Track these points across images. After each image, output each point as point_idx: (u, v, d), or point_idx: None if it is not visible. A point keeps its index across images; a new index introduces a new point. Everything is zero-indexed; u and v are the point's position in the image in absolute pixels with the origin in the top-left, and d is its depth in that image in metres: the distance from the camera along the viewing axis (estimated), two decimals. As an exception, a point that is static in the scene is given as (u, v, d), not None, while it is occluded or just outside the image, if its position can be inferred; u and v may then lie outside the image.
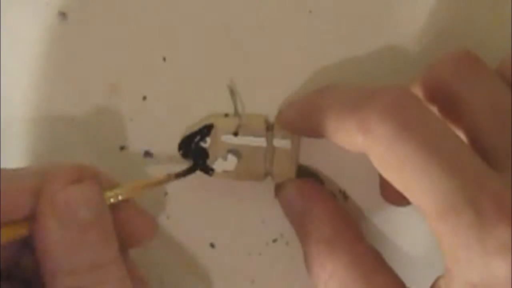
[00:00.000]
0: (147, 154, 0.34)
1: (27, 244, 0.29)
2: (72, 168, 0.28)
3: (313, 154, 0.34)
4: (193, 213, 0.34)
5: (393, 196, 0.33)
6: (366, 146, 0.27)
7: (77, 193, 0.27)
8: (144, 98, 0.34)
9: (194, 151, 0.33)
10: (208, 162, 0.33)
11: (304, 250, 0.32)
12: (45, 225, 0.27)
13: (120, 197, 0.29)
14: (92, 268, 0.27)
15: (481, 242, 0.24)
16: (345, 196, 0.34)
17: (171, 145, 0.33)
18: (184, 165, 0.33)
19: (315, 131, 0.30)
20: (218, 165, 0.33)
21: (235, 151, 0.32)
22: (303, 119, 0.31)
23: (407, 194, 0.26)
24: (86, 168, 0.29)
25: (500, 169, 0.26)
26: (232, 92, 0.33)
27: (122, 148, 0.34)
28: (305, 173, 0.34)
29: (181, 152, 0.33)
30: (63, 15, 0.33)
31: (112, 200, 0.29)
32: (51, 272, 0.27)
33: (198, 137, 0.33)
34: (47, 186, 0.27)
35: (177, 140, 0.33)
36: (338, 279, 0.30)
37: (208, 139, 0.33)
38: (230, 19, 0.33)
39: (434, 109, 0.29)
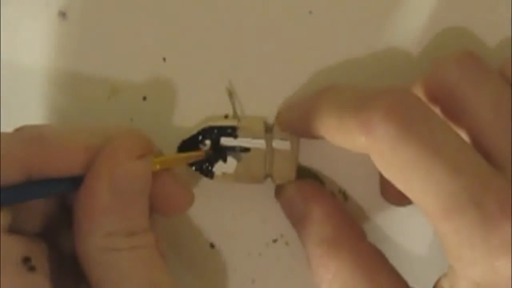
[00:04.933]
0: (147, 154, 0.34)
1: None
2: (138, 144, 0.30)
3: (313, 155, 0.34)
4: (193, 213, 0.34)
5: (393, 196, 0.33)
6: (369, 146, 0.27)
7: (138, 169, 0.29)
8: (144, 98, 0.34)
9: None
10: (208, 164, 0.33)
11: (307, 251, 0.32)
12: (97, 187, 0.28)
13: (158, 166, 0.30)
14: (128, 233, 0.28)
15: (485, 241, 0.24)
16: (345, 196, 0.34)
17: (171, 145, 0.33)
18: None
19: (316, 132, 0.30)
20: (218, 168, 0.33)
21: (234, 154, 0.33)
22: (303, 120, 0.31)
23: (409, 194, 0.26)
24: (147, 142, 0.31)
25: (502, 169, 0.26)
26: (231, 95, 0.33)
27: (122, 148, 0.34)
28: (305, 174, 0.34)
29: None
30: (63, 15, 0.33)
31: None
32: (87, 231, 0.28)
33: (198, 139, 0.33)
34: (110, 155, 0.29)
35: (177, 140, 0.33)
36: (341, 279, 0.30)
37: (207, 142, 0.33)
38: (230, 19, 0.33)
39: (436, 110, 0.29)
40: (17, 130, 0.29)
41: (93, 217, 0.28)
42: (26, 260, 0.26)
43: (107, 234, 0.28)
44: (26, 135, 0.28)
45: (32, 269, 0.26)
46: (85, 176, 0.29)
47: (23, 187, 0.27)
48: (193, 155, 0.33)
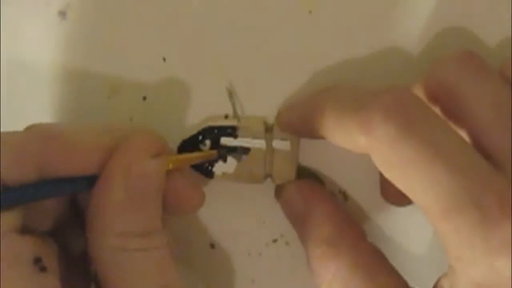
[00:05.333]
0: (147, 154, 0.34)
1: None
2: (153, 143, 0.30)
3: (312, 155, 0.34)
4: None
5: (393, 196, 0.33)
6: (369, 146, 0.27)
7: (152, 168, 0.29)
8: (144, 98, 0.34)
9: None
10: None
11: (307, 251, 0.32)
12: (111, 186, 0.28)
13: (171, 166, 0.30)
14: (141, 234, 0.28)
15: (485, 241, 0.24)
16: (345, 196, 0.34)
17: (171, 145, 0.33)
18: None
19: (316, 133, 0.30)
20: (218, 168, 0.33)
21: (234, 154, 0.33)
22: (304, 120, 0.31)
23: (409, 194, 0.26)
24: (161, 141, 0.30)
25: (502, 168, 0.26)
26: (231, 95, 0.33)
27: (122, 148, 0.34)
28: (305, 174, 0.34)
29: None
30: (63, 15, 0.33)
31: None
32: (100, 231, 0.28)
33: (198, 139, 0.33)
34: (125, 153, 0.29)
35: (177, 140, 0.33)
36: (341, 279, 0.30)
37: (207, 142, 0.33)
38: (230, 19, 0.33)
39: (436, 110, 0.29)
40: (29, 128, 0.29)
41: (106, 216, 0.28)
42: (38, 260, 0.26)
43: (120, 234, 0.28)
44: (41, 133, 0.28)
45: (43, 269, 0.26)
46: (100, 175, 0.28)
47: (36, 186, 0.27)
48: (206, 155, 0.32)
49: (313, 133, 0.30)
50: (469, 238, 0.24)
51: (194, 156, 0.32)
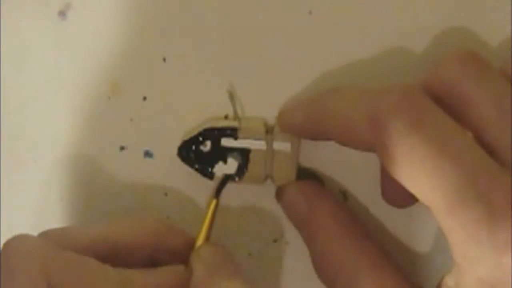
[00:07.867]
0: (147, 154, 0.34)
1: None
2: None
3: (312, 156, 0.34)
4: (193, 213, 0.34)
5: (394, 198, 0.33)
6: (375, 142, 0.27)
7: None
8: (144, 98, 0.34)
9: (194, 155, 0.33)
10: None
11: (311, 250, 0.32)
12: None
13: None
14: None
15: (491, 237, 0.24)
16: (345, 197, 0.34)
17: (171, 145, 0.33)
18: (183, 166, 0.33)
19: (321, 132, 0.30)
20: (219, 169, 0.33)
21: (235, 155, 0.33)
22: (308, 120, 0.31)
23: (415, 190, 0.26)
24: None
25: (505, 166, 0.26)
26: (231, 96, 0.33)
27: (122, 148, 0.34)
28: (305, 175, 0.34)
29: (181, 156, 0.33)
30: (63, 15, 0.33)
31: None
32: None
33: (198, 140, 0.33)
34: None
35: (177, 140, 0.33)
36: (346, 278, 0.30)
37: (208, 143, 0.33)
38: (230, 19, 0.33)
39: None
40: None
41: None
42: None
43: None
44: None
45: None
46: None
47: None
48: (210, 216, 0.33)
49: (317, 133, 0.30)
50: (475, 234, 0.24)
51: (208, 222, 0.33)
